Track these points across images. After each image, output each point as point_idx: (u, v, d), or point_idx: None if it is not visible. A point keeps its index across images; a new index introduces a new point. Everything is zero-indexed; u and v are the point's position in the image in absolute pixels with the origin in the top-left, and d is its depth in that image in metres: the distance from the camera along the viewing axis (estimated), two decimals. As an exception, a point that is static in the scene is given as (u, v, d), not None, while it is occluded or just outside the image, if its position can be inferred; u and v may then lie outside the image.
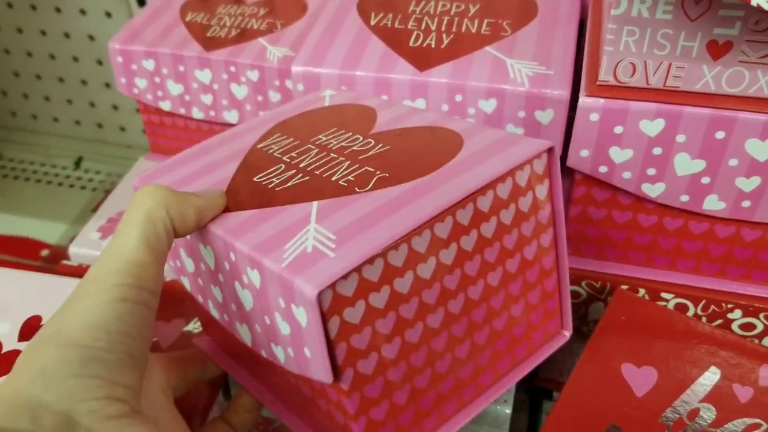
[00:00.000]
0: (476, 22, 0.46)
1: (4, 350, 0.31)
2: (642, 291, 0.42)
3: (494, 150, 0.30)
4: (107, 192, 0.82)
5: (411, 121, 0.34)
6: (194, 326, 0.46)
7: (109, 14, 0.76)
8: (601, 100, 0.36)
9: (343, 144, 0.33)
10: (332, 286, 0.24)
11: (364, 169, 0.30)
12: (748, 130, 0.34)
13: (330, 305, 0.24)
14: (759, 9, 0.28)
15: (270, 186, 0.30)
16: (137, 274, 0.25)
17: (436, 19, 0.47)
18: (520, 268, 0.31)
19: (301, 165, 0.32)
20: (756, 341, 0.42)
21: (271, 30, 0.52)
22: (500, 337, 0.32)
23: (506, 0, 0.48)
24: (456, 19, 0.47)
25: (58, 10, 0.78)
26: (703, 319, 0.42)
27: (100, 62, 0.81)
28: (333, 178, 0.30)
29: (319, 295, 0.24)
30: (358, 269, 0.25)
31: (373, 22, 0.47)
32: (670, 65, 0.34)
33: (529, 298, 0.33)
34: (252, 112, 0.52)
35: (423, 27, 0.46)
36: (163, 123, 0.56)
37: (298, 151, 0.33)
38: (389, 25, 0.47)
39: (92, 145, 0.90)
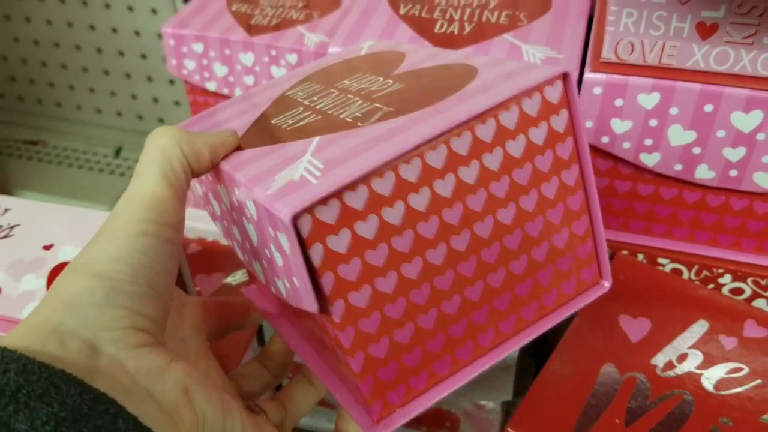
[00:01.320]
0: (496, 13, 0.51)
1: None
2: (641, 256, 0.46)
3: (502, 79, 0.28)
4: (145, 178, 0.87)
5: (435, 61, 0.33)
6: (233, 279, 0.51)
7: (154, 11, 0.82)
8: (604, 76, 0.40)
9: (362, 86, 0.33)
10: (310, 211, 0.24)
11: (373, 105, 0.30)
12: (733, 103, 0.39)
13: (310, 232, 0.24)
14: (739, -10, 0.33)
15: (282, 126, 0.31)
16: (158, 209, 0.25)
17: (459, 10, 0.52)
18: (538, 207, 0.29)
19: (318, 107, 0.32)
20: (743, 304, 0.46)
21: (308, 20, 0.57)
22: (520, 281, 0.30)
23: (523, -5, 0.53)
24: (477, 10, 0.52)
25: (107, 6, 0.84)
26: (696, 283, 0.46)
27: (143, 56, 0.87)
28: (341, 116, 0.30)
29: (296, 219, 0.23)
30: (338, 195, 0.24)
31: (402, 12, 0.52)
32: (664, 44, 0.39)
33: (554, 242, 0.30)
34: (289, 93, 0.57)
35: (447, 17, 0.51)
36: (208, 103, 0.62)
37: (319, 95, 0.33)
38: (417, 15, 0.52)
39: (132, 135, 0.96)
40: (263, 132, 0.31)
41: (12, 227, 0.38)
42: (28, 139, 0.97)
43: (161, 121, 0.93)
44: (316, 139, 0.28)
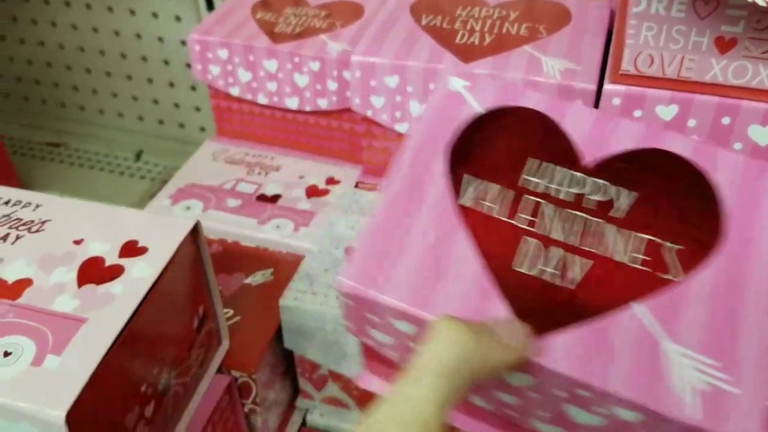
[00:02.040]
0: (516, 25, 0.52)
1: (107, 264, 0.37)
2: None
3: None
4: (165, 182, 0.89)
5: None
6: (253, 279, 0.52)
7: (178, 18, 0.84)
8: (623, 87, 0.41)
9: None
10: None
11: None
12: (750, 116, 0.39)
13: None
14: (759, 8, 0.34)
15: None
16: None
17: (480, 22, 0.53)
18: None
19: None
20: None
21: (331, 29, 0.58)
22: None
23: (543, 8, 0.54)
24: (498, 22, 0.53)
25: (132, 12, 0.86)
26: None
27: (166, 62, 0.89)
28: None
29: None
30: None
31: (423, 23, 0.53)
32: (683, 58, 0.39)
33: None
34: (311, 100, 0.58)
35: (468, 28, 0.52)
36: (231, 108, 0.63)
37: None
38: (438, 26, 0.53)
39: (152, 139, 0.97)
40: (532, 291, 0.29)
41: (43, 222, 0.40)
42: (51, 141, 0.99)
43: (182, 126, 0.94)
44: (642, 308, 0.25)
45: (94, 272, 0.36)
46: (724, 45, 0.38)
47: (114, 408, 0.34)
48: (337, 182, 0.60)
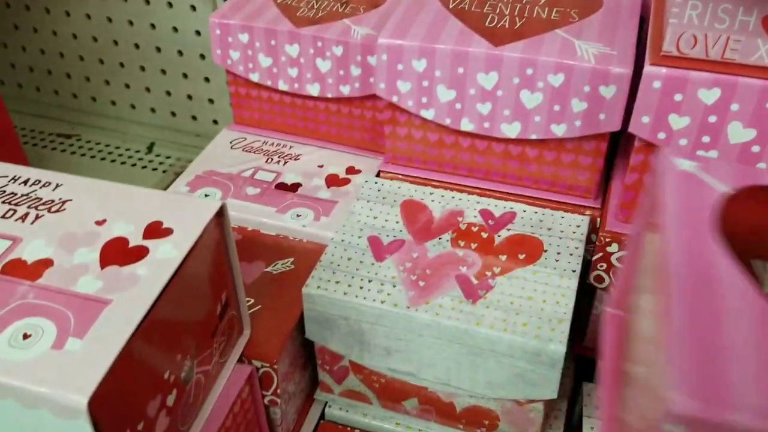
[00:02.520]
0: (546, 9, 0.51)
1: (131, 245, 0.36)
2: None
3: None
4: (177, 174, 0.87)
5: None
6: (273, 268, 0.50)
7: (193, 7, 0.82)
8: (664, 69, 0.40)
9: None
10: None
11: None
12: (797, 100, 0.38)
13: None
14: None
15: None
16: None
17: (509, 5, 0.51)
18: None
19: None
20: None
21: (354, 13, 0.57)
22: None
23: (574, -8, 0.52)
24: (527, 6, 0.51)
25: (147, 2, 0.85)
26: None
27: (180, 53, 0.87)
28: None
29: None
30: None
31: (451, 6, 0.52)
32: (728, 38, 0.38)
33: None
34: (333, 86, 0.57)
35: (497, 11, 0.51)
36: (249, 95, 0.62)
37: None
38: (466, 9, 0.51)
39: (165, 131, 0.96)
40: None
41: (64, 202, 0.38)
42: (63, 133, 0.98)
43: (194, 118, 0.93)
44: None
45: (118, 253, 0.35)
46: (771, 25, 0.37)
47: (136, 395, 0.33)
48: (357, 172, 0.58)
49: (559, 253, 0.47)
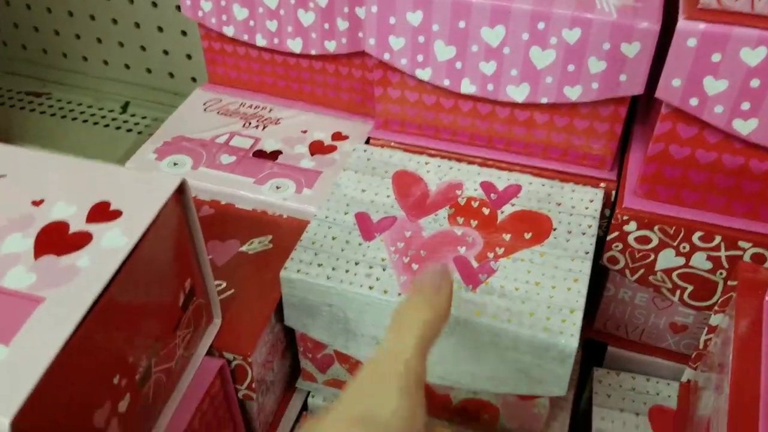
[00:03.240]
0: (560, -45, 0.45)
1: (71, 231, 0.30)
2: (718, 238, 0.40)
3: None
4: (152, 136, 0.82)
5: None
6: (249, 247, 0.45)
7: (168, -46, 0.76)
8: (701, 25, 0.34)
9: None
10: None
11: None
12: None
13: None
14: None
15: None
16: (414, 376, 0.28)
17: (518, -49, 0.45)
18: None
19: None
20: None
21: (342, -41, 0.51)
22: None
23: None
24: (538, -48, 0.45)
25: (117, -52, 0.78)
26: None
27: (154, 4, 0.81)
28: None
29: None
30: None
31: (451, -49, 0.46)
32: (778, -12, 0.32)
33: None
34: (317, 41, 0.51)
35: (505, -43, 0.45)
36: (224, 50, 0.56)
37: None
38: (468, -45, 0.45)
39: (140, 89, 0.90)
40: None
41: (-3, 177, 0.33)
42: (32, 91, 0.92)
43: (171, 75, 0.87)
44: None
45: (56, 240, 0.29)
46: (831, -28, 0.31)
47: (78, 407, 0.28)
48: (344, 138, 0.53)
49: (569, 232, 0.42)
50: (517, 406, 0.42)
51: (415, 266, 0.40)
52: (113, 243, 0.29)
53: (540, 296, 0.38)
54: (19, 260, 0.29)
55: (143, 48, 0.86)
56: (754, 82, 0.34)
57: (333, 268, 0.40)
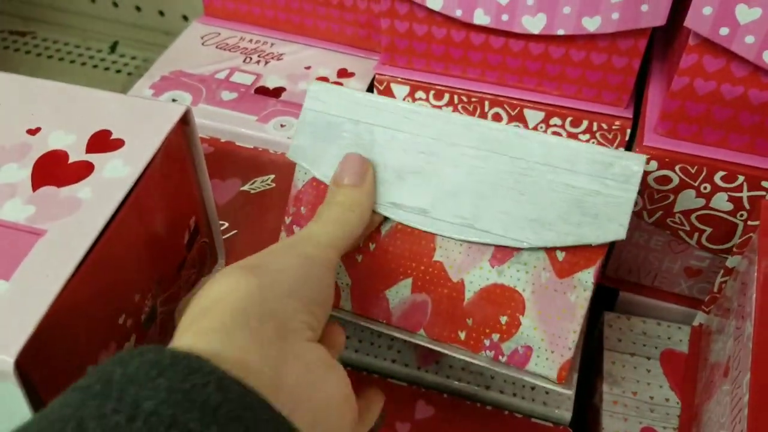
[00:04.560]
0: None
1: (71, 160, 0.28)
2: (741, 178, 0.39)
3: None
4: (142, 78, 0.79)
5: None
6: (251, 186, 0.44)
7: None
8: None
9: None
10: None
11: None
12: None
13: None
14: None
15: None
16: (324, 261, 0.28)
17: None
18: None
19: None
20: None
21: None
22: None
23: None
24: None
25: None
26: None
27: (145, -64, 0.77)
28: None
29: None
30: None
31: None
32: None
33: None
34: (321, -29, 0.48)
35: None
36: (223, -19, 0.53)
37: None
38: None
39: (129, 29, 0.86)
40: None
41: (-11, 105, 0.31)
42: (16, 30, 0.89)
43: (161, 14, 0.83)
44: None
45: (55, 171, 0.28)
46: None
47: (83, 346, 0.26)
48: (350, 75, 0.51)
49: None
50: (551, 289, 0.33)
51: None
52: (115, 173, 0.28)
53: None
54: (15, 192, 0.27)
55: (132, -16, 0.82)
56: (791, 10, 0.33)
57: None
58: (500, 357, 0.33)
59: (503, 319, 0.33)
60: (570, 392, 0.34)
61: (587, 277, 0.32)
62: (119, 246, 0.27)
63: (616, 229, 0.32)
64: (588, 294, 0.33)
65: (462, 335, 0.34)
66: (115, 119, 0.30)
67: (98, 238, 0.26)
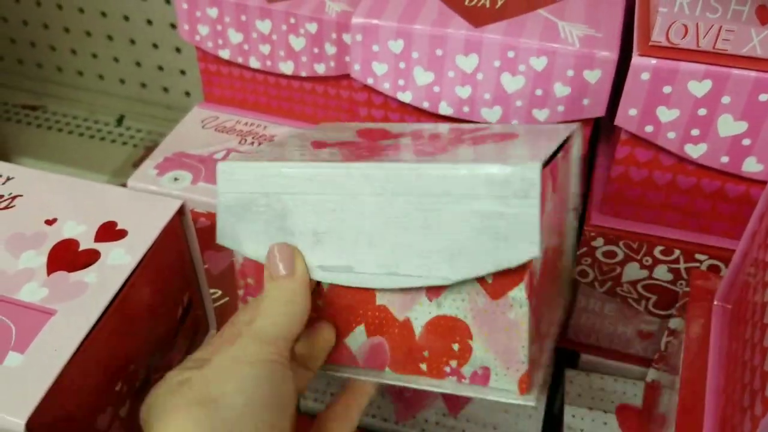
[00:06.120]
0: (530, -13, 0.48)
1: (81, 248, 0.33)
2: (677, 252, 0.43)
3: None
4: (147, 148, 0.84)
5: None
6: (242, 260, 0.48)
7: (163, -26, 0.79)
8: (653, 60, 0.37)
9: None
10: None
11: None
12: (792, 94, 0.36)
13: None
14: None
15: None
16: (281, 343, 0.30)
17: (491, -17, 0.48)
18: None
19: None
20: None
21: (329, -12, 0.54)
22: None
23: (560, -31, 0.49)
24: (511, -17, 0.48)
25: (113, -33, 0.80)
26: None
27: (149, 22, 0.84)
28: None
29: None
30: None
31: (430, -17, 0.49)
32: (720, 28, 0.36)
33: None
34: (307, 64, 0.54)
35: (479, -11, 0.48)
36: (220, 72, 0.59)
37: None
38: (446, -14, 0.48)
39: (135, 103, 0.92)
40: None
41: (14, 197, 0.36)
42: (28, 104, 0.94)
43: (165, 90, 0.89)
44: None
45: (67, 257, 0.32)
46: (766, 14, 0.35)
47: (84, 411, 0.31)
48: (332, 155, 0.56)
49: None
50: (489, 312, 0.34)
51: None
52: (118, 261, 0.32)
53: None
54: (33, 276, 0.32)
55: (138, 64, 0.88)
56: (702, 111, 0.38)
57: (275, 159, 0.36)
58: (463, 380, 0.35)
59: (455, 347, 0.34)
60: (533, 404, 0.34)
61: (520, 294, 0.33)
62: (119, 324, 0.32)
63: (529, 248, 0.31)
64: (525, 309, 0.33)
65: (423, 367, 0.35)
66: (120, 211, 0.35)
67: (100, 318, 0.30)
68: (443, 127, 0.44)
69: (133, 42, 0.86)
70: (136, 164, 0.56)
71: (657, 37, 0.37)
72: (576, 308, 0.50)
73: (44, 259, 0.32)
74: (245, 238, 0.36)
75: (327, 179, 0.34)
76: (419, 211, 0.33)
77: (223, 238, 0.36)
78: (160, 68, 0.88)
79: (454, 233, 0.32)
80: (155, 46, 0.86)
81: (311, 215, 0.34)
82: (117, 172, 0.83)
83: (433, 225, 0.32)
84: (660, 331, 0.49)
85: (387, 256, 0.34)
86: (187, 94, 0.88)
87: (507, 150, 0.36)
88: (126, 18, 0.84)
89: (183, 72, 0.86)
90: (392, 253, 0.33)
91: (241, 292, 0.38)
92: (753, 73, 0.36)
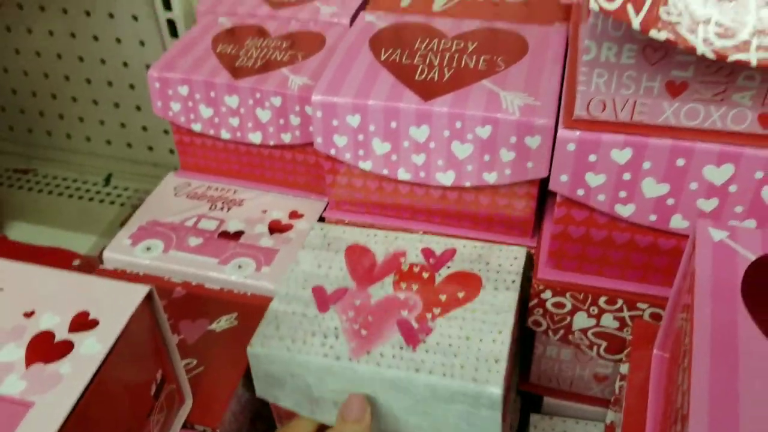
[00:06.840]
0: (474, 58, 0.51)
1: (56, 340, 0.36)
2: (620, 301, 0.46)
3: None
4: (135, 207, 0.87)
5: None
6: (217, 325, 0.51)
7: (142, 43, 0.82)
8: (577, 132, 0.41)
9: None
10: None
11: None
12: (705, 158, 0.39)
13: None
14: (704, 57, 0.33)
15: None
16: None
17: (438, 56, 0.52)
18: None
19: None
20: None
21: (292, 61, 0.58)
22: None
23: (501, 39, 0.53)
24: (456, 55, 0.52)
25: (95, 38, 0.84)
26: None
27: (132, 86, 0.87)
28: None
29: None
30: None
31: (383, 58, 0.52)
32: (635, 102, 0.39)
33: None
34: (274, 134, 0.57)
35: (427, 62, 0.51)
36: (194, 143, 0.62)
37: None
38: (397, 60, 0.52)
39: (122, 163, 0.96)
40: None
41: (-5, 291, 0.39)
42: (19, 168, 0.98)
43: (150, 149, 0.93)
44: None
45: (43, 349, 0.35)
46: (675, 89, 0.38)
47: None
48: (300, 216, 0.59)
49: (496, 289, 0.47)
50: None
51: (363, 332, 0.46)
52: (90, 350, 0.35)
53: (470, 349, 0.44)
54: (12, 369, 0.35)
55: (123, 125, 0.92)
56: (626, 176, 0.41)
57: (293, 340, 0.46)
58: None
59: None
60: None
61: None
62: (93, 410, 0.34)
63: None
64: None
65: None
66: (92, 301, 0.38)
67: (75, 407, 0.33)
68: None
69: (117, 105, 0.90)
70: (123, 223, 0.59)
71: (579, 111, 0.40)
72: (535, 355, 0.53)
73: (23, 352, 0.35)
74: (280, 397, 0.48)
75: (339, 372, 0.45)
76: (414, 402, 0.44)
77: (262, 394, 0.49)
78: (144, 128, 0.91)
79: (441, 419, 0.44)
80: (138, 108, 0.89)
81: (330, 392, 0.46)
82: (105, 231, 0.86)
83: (426, 412, 0.44)
84: (614, 373, 0.52)
85: (391, 424, 0.46)
86: (171, 151, 0.92)
87: None
88: (110, 83, 0.88)
89: (166, 131, 0.90)
90: (395, 423, 0.46)
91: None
92: (669, 141, 0.39)
